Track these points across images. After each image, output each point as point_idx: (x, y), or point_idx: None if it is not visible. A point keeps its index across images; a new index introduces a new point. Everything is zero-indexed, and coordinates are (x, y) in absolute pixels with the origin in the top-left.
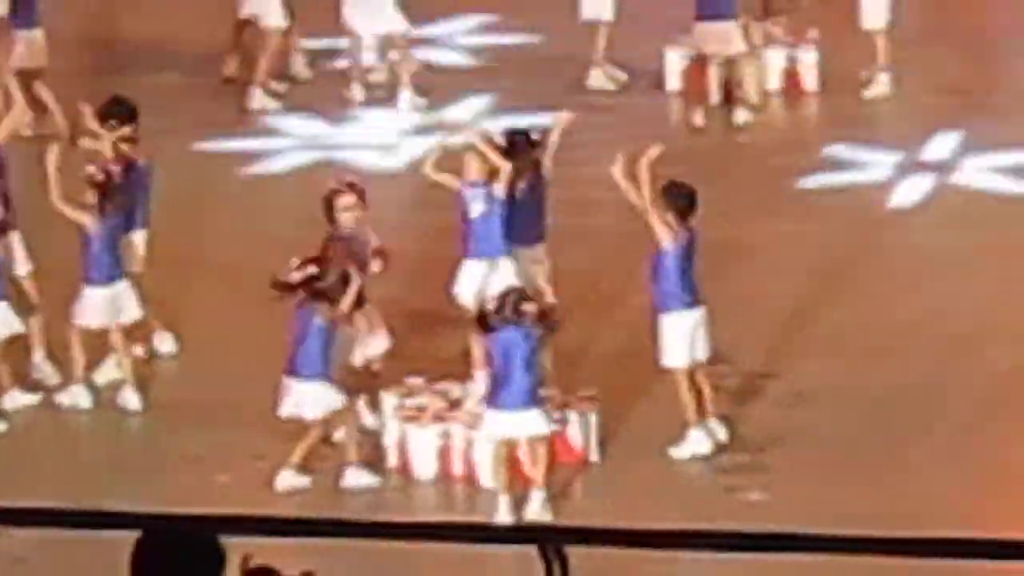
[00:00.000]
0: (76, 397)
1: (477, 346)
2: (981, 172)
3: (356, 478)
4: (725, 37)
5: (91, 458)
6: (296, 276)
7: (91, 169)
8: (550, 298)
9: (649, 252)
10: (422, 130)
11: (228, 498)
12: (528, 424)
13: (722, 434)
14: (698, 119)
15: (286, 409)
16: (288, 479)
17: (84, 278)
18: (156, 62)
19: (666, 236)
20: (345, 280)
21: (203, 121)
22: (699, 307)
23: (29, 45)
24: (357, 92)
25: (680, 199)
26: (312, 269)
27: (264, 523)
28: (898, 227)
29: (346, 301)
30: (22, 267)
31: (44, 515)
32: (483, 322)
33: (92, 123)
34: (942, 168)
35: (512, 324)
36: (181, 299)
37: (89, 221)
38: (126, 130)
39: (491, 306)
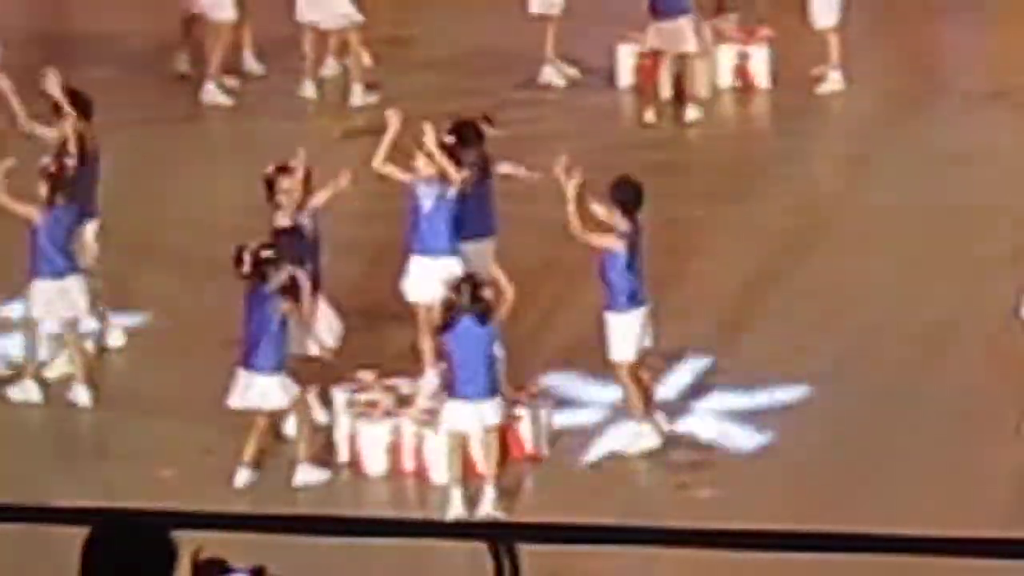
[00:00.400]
0: (27, 391)
1: (427, 341)
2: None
3: (307, 474)
4: (679, 35)
5: (38, 452)
6: (248, 262)
7: (46, 160)
8: (507, 289)
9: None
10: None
11: (175, 492)
12: (487, 414)
13: (667, 426)
14: (649, 116)
15: (237, 401)
16: (246, 476)
17: (31, 271)
18: (103, 56)
19: (610, 241)
20: (294, 280)
21: (151, 116)
22: (645, 304)
23: None
24: (309, 89)
25: (627, 195)
26: (267, 252)
27: (214, 518)
28: (849, 226)
29: (304, 299)
30: None
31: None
32: (444, 315)
33: (60, 97)
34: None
35: (470, 312)
36: (130, 289)
37: (35, 213)
38: (81, 124)
39: (449, 295)
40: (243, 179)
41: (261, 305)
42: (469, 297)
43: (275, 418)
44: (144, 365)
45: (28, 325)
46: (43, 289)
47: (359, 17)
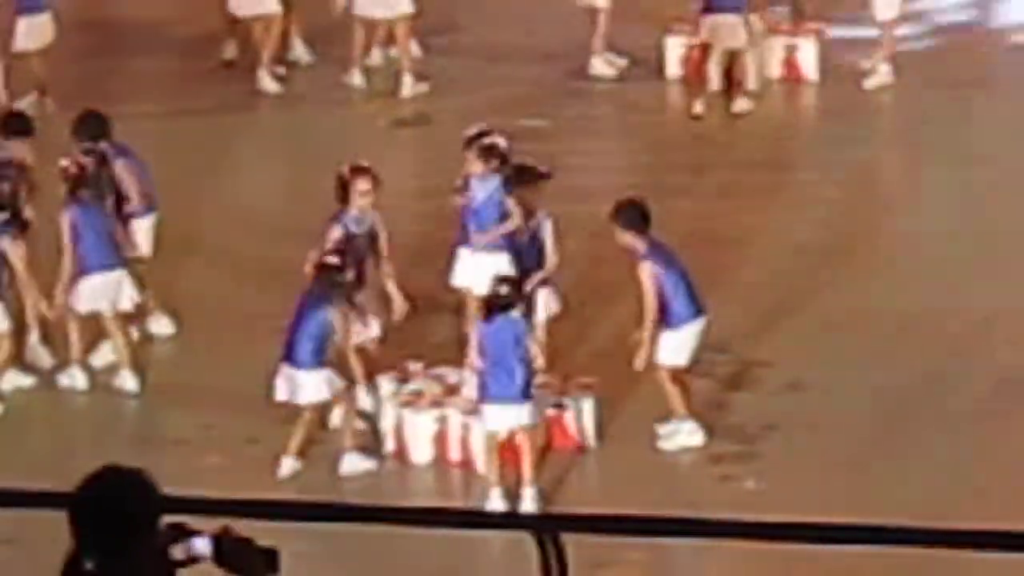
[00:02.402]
0: (73, 378)
1: (475, 333)
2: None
3: (353, 463)
4: (731, 30)
5: (84, 439)
6: (318, 265)
7: (64, 162)
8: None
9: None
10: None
11: (220, 481)
12: (522, 415)
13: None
14: (698, 107)
15: (282, 394)
16: (290, 465)
17: (79, 267)
18: (151, 45)
19: (647, 270)
20: (359, 280)
21: (198, 105)
22: (701, 317)
23: (32, 28)
24: (357, 78)
25: (633, 217)
26: (334, 260)
27: (261, 506)
28: (898, 214)
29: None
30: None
31: (30, 496)
32: (487, 308)
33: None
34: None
35: (512, 307)
36: (178, 281)
37: (68, 214)
38: (87, 145)
39: (490, 291)
40: (292, 168)
41: (315, 307)
42: (510, 294)
43: (320, 409)
44: (191, 353)
45: (73, 315)
46: (90, 283)
47: (412, 8)
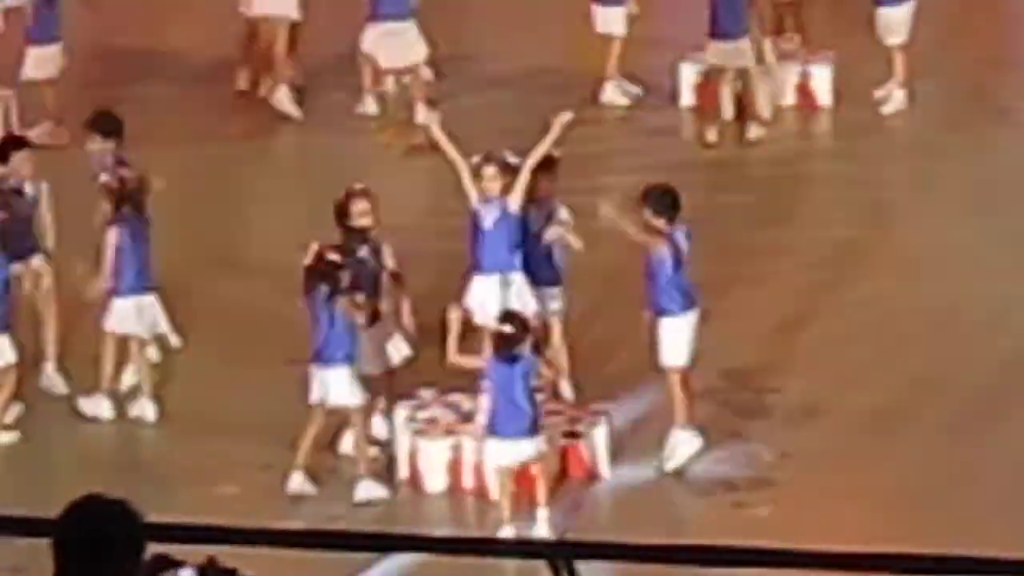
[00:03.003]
0: (99, 407)
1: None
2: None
3: (367, 490)
4: (738, 53)
5: (99, 466)
6: (316, 259)
7: (104, 177)
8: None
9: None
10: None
11: (234, 509)
12: (530, 450)
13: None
14: (711, 135)
15: (316, 396)
16: (298, 482)
17: (111, 288)
18: (166, 72)
19: (657, 242)
20: (375, 314)
21: (211, 132)
22: (695, 309)
23: (41, 59)
24: (371, 106)
25: (663, 201)
26: (334, 256)
27: (269, 535)
28: (911, 243)
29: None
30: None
31: (40, 524)
32: (495, 345)
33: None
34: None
35: (516, 346)
36: (194, 304)
37: (114, 231)
38: (111, 144)
39: (498, 328)
40: (305, 195)
41: (327, 305)
42: (517, 331)
43: (325, 417)
44: (207, 381)
45: (105, 340)
46: (122, 306)
47: (426, 49)
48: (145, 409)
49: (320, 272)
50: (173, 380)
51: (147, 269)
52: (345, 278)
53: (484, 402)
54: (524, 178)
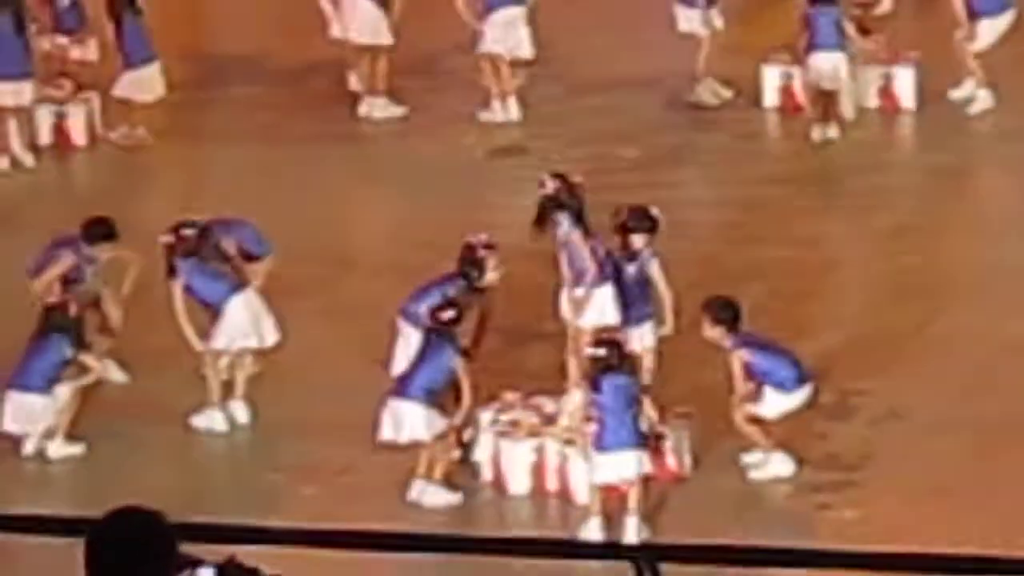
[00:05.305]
0: (212, 420)
1: (574, 360)
2: None
3: (437, 496)
4: (835, 72)
5: (183, 468)
6: (442, 318)
7: (165, 238)
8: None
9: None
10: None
11: (314, 510)
12: (636, 464)
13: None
14: (816, 133)
15: (387, 433)
16: (420, 488)
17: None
18: (250, 75)
19: (736, 360)
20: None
21: (295, 134)
22: (807, 385)
23: (140, 80)
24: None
25: (724, 313)
26: (452, 313)
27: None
28: (997, 240)
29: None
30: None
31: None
32: (592, 372)
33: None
34: None
35: (615, 369)
36: (281, 309)
37: (176, 281)
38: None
39: (596, 354)
40: (391, 199)
41: (438, 354)
42: (616, 357)
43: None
44: (292, 384)
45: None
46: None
47: (532, 47)
48: (237, 411)
49: (443, 332)
50: (258, 382)
51: (226, 278)
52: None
53: (568, 404)
54: None
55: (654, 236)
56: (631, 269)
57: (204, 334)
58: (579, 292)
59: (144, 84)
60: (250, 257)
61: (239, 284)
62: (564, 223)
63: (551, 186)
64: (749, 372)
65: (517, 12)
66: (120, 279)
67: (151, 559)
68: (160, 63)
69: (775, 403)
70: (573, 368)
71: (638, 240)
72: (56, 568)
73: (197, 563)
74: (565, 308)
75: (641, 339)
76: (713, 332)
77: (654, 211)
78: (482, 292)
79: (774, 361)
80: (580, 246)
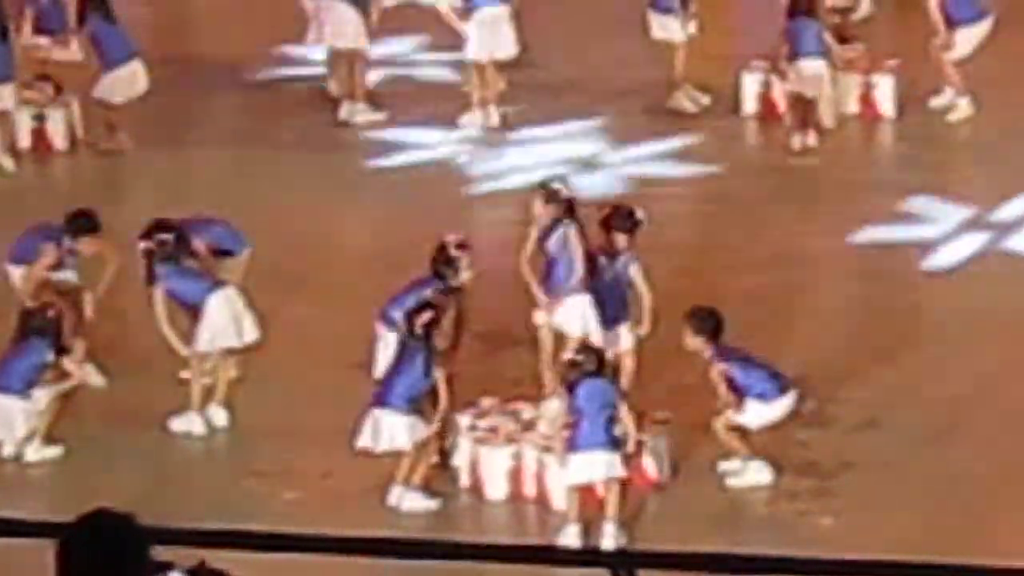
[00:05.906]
0: (191, 424)
1: (550, 368)
2: None
3: (415, 501)
4: (817, 80)
5: (161, 472)
6: (419, 322)
7: (144, 244)
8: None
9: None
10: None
11: (295, 515)
12: (611, 466)
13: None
14: (796, 143)
15: (365, 440)
16: (398, 494)
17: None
18: (228, 80)
19: (716, 372)
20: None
21: (272, 140)
22: (788, 394)
23: (119, 80)
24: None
25: (706, 324)
26: (428, 315)
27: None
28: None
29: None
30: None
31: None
32: (568, 376)
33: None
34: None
35: (595, 375)
36: (261, 312)
37: (157, 289)
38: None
39: (573, 358)
40: (371, 204)
41: (416, 360)
42: (594, 363)
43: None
44: (271, 387)
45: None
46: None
47: (516, 46)
48: (216, 415)
49: (420, 335)
50: (236, 386)
51: (206, 279)
52: (437, 335)
53: (546, 409)
54: None
55: (635, 237)
56: (611, 269)
57: (186, 339)
58: (561, 288)
59: (124, 83)
60: (228, 254)
61: (217, 282)
62: (571, 226)
63: (565, 193)
64: (730, 385)
65: (501, 11)
66: (96, 279)
67: (122, 562)
68: (141, 60)
69: (757, 413)
70: (548, 378)
71: (621, 240)
72: (27, 571)
73: (168, 567)
74: (540, 315)
75: (618, 340)
76: (694, 342)
77: (639, 212)
78: (458, 292)
79: (754, 374)
80: (577, 246)
